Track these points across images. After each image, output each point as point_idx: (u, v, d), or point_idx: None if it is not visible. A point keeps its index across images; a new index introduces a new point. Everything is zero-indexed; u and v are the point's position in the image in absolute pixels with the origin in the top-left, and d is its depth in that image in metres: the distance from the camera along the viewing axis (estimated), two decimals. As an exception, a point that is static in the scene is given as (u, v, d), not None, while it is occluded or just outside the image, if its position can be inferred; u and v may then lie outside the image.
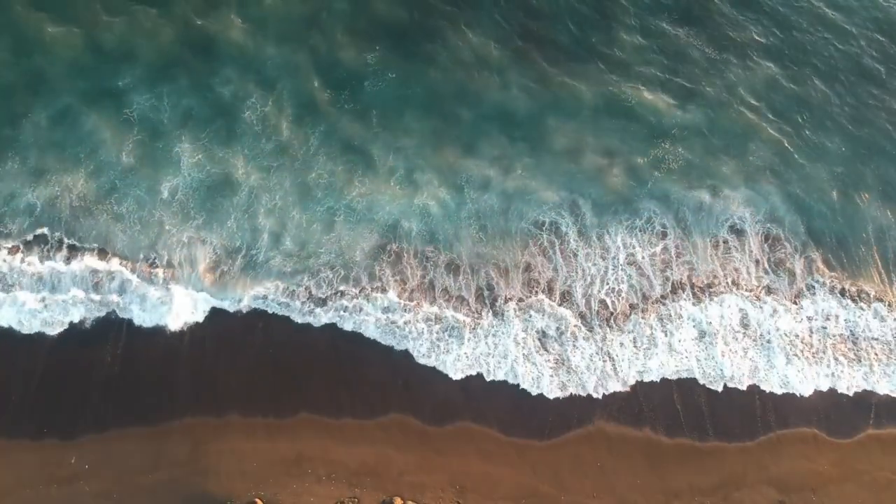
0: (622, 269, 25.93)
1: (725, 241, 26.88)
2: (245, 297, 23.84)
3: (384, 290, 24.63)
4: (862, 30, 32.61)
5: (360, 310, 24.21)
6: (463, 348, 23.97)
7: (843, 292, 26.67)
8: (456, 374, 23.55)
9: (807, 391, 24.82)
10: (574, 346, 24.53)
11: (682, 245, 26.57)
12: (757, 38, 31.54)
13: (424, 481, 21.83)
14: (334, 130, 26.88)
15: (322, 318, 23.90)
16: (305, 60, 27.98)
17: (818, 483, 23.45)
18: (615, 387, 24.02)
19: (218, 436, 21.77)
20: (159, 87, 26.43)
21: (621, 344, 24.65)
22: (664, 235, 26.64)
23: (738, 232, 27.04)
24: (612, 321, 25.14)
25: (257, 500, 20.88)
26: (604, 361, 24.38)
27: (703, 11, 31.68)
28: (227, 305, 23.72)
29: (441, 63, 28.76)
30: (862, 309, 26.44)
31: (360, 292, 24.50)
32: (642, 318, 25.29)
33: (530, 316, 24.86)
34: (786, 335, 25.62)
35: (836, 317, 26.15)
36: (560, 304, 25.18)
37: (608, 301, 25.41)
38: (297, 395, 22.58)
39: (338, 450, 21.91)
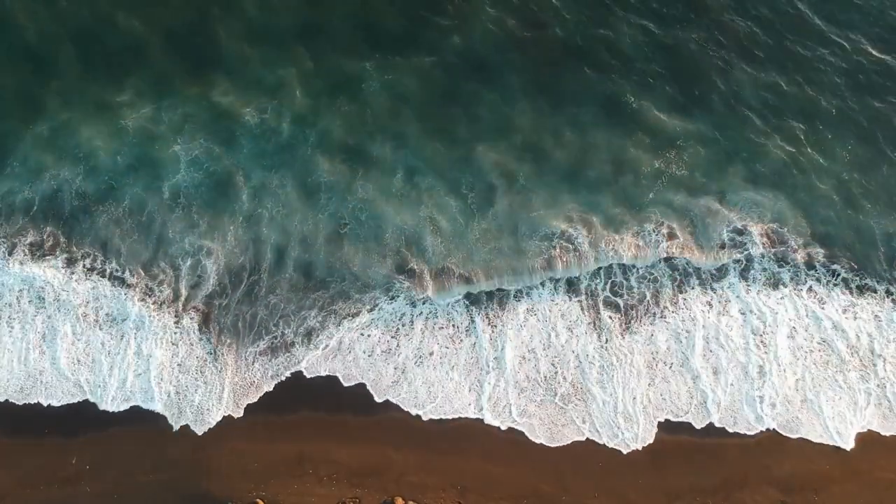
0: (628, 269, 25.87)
1: (731, 243, 26.66)
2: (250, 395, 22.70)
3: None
4: (868, 36, 32.40)
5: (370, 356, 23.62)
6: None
7: (848, 284, 26.47)
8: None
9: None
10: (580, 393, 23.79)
11: (687, 247, 26.43)
12: (760, 43, 31.37)
13: (425, 481, 21.80)
14: (332, 133, 26.85)
15: (322, 367, 23.19)
16: (302, 64, 28.04)
17: (820, 483, 23.33)
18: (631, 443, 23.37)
19: (219, 436, 21.78)
20: (158, 95, 26.62)
21: (634, 397, 23.80)
22: (671, 238, 26.43)
23: (744, 233, 26.81)
24: (626, 332, 24.85)
25: (258, 500, 20.87)
26: (624, 420, 23.51)
27: (705, 18, 31.53)
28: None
29: (439, 65, 28.70)
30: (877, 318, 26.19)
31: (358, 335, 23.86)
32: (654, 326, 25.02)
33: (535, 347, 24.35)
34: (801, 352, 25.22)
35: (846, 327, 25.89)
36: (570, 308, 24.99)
37: (620, 303, 25.19)
38: (298, 394, 22.61)
39: (339, 450, 21.90)
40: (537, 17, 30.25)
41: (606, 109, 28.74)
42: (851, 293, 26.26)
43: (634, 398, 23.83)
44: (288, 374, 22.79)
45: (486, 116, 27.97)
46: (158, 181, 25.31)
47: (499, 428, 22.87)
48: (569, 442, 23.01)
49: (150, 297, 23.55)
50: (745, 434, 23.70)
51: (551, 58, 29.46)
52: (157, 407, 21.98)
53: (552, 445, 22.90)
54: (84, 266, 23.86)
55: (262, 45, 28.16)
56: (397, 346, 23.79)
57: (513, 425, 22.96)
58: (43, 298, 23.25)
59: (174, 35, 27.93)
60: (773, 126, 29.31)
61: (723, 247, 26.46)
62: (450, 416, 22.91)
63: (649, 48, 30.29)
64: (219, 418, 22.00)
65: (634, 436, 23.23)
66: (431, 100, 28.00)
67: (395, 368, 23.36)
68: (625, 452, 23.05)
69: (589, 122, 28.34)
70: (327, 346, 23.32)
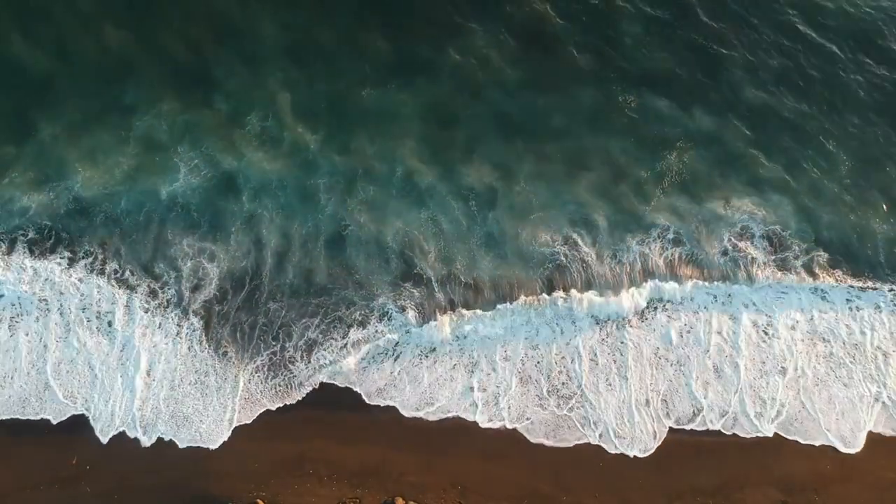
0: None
1: (734, 251, 26.54)
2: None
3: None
4: (863, 45, 32.34)
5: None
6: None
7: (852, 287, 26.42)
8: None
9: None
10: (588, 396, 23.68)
11: (694, 253, 26.39)
12: (762, 47, 31.33)
13: (426, 481, 21.78)
14: (334, 138, 26.85)
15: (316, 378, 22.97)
16: (302, 70, 28.10)
17: (821, 483, 23.30)
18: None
19: (219, 436, 21.82)
20: (158, 103, 26.67)
21: (637, 399, 23.71)
22: (677, 243, 26.39)
23: (747, 239, 26.71)
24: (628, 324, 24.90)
25: (259, 500, 20.85)
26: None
27: (707, 18, 31.48)
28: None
29: (438, 71, 28.80)
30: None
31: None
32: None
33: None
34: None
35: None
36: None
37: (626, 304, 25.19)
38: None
39: (339, 450, 21.89)
40: (535, 20, 30.29)
41: (607, 112, 28.82)
42: (855, 294, 26.23)
43: (638, 400, 23.81)
44: (299, 397, 22.55)
45: (485, 119, 28.06)
46: (158, 189, 25.29)
47: (499, 428, 22.87)
48: (571, 444, 23.03)
49: (153, 299, 23.49)
50: (746, 434, 23.70)
51: (551, 61, 29.51)
52: (149, 440, 21.69)
53: (554, 446, 22.89)
54: (85, 269, 23.78)
55: (262, 53, 28.28)
56: (396, 344, 23.76)
57: (512, 426, 22.94)
58: (46, 300, 23.15)
59: (172, 44, 28.04)
60: (775, 132, 29.30)
61: (725, 254, 26.38)
62: (450, 416, 22.90)
63: (649, 51, 30.32)
64: (224, 438, 21.81)
65: (643, 448, 23.17)
66: (431, 104, 28.07)
67: (392, 373, 23.30)
68: (630, 455, 23.06)
69: (590, 124, 28.43)
70: (343, 364, 23.05)
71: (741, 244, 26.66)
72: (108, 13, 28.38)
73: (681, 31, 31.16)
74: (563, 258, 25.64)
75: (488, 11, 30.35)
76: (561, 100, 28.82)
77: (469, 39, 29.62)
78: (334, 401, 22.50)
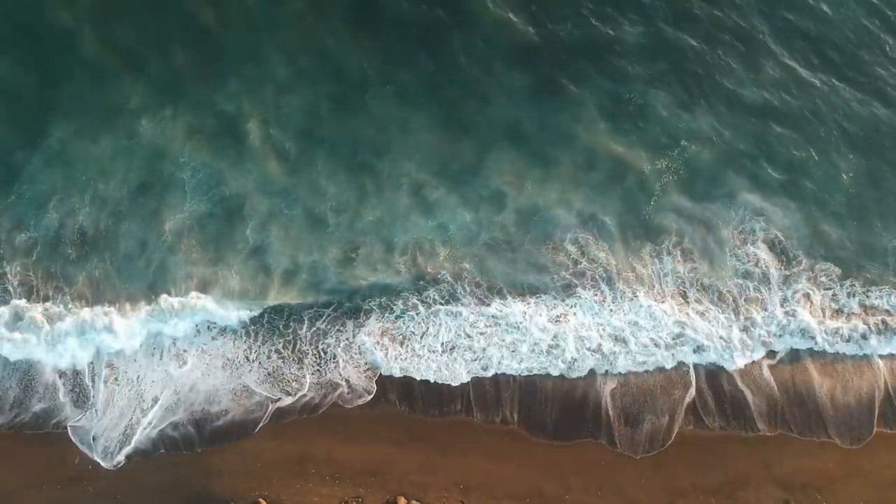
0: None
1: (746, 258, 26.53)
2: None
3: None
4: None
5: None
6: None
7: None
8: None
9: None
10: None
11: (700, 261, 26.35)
12: (767, 45, 31.32)
13: (428, 481, 21.77)
14: (338, 147, 26.63)
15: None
16: (304, 76, 27.81)
17: (823, 482, 23.37)
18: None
19: (221, 435, 21.76)
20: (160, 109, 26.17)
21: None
22: (685, 254, 26.32)
23: (754, 245, 26.66)
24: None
25: (261, 499, 20.84)
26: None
27: (711, 14, 31.48)
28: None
29: (441, 76, 28.64)
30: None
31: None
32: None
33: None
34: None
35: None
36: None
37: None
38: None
39: (341, 449, 21.87)
40: (539, 18, 30.28)
41: (610, 111, 28.62)
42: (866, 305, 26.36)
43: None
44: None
45: (488, 119, 27.93)
46: (160, 197, 24.78)
47: (500, 427, 22.84)
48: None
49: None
50: (748, 432, 23.74)
51: (555, 59, 29.53)
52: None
53: (556, 444, 22.89)
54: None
55: (259, 57, 27.93)
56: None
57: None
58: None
59: (171, 50, 27.45)
60: (780, 136, 29.26)
61: (735, 274, 26.32)
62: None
63: (655, 50, 30.32)
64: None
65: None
66: (433, 105, 27.95)
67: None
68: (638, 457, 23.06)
69: (594, 124, 28.26)
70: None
71: (750, 253, 26.41)
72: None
73: (682, 30, 31.12)
74: (583, 268, 25.51)
75: (493, 7, 30.17)
76: (566, 99, 28.53)
77: (468, 43, 29.60)
78: (336, 400, 22.47)
